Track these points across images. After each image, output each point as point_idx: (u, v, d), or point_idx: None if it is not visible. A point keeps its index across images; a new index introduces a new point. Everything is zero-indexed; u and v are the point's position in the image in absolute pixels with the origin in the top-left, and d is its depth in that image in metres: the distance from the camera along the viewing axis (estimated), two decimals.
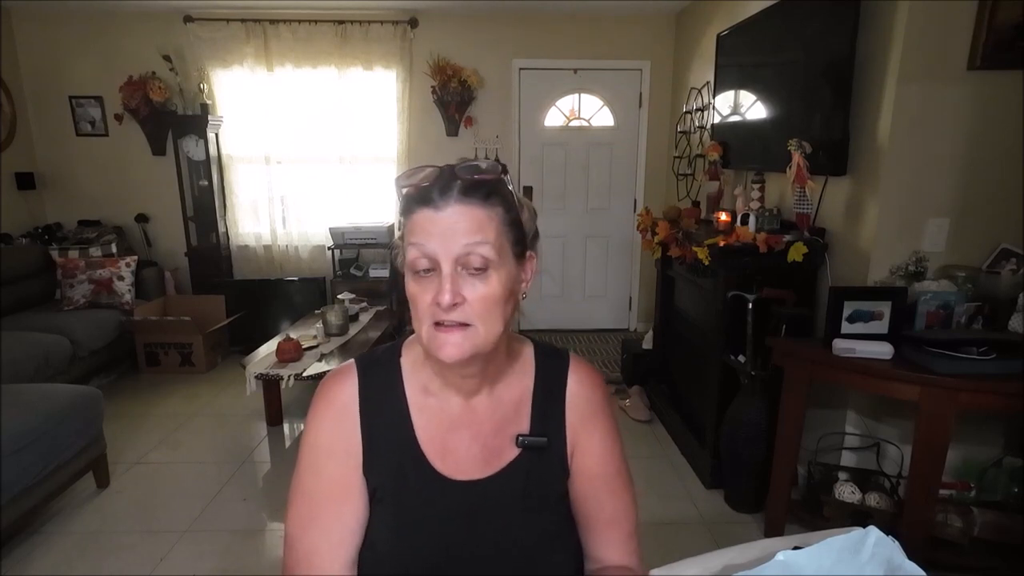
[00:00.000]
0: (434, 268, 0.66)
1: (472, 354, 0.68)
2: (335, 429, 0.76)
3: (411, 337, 0.82)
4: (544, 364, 0.82)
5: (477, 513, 0.75)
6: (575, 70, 4.31)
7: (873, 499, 2.01)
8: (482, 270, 0.66)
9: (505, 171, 0.70)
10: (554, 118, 4.43)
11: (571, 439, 0.80)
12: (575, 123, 4.45)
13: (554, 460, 0.79)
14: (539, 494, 0.77)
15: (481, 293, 0.67)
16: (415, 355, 0.79)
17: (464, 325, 0.66)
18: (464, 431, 0.77)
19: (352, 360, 0.81)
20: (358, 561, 0.75)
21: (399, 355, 0.80)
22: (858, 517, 1.95)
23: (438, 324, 0.67)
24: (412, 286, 0.68)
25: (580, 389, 0.81)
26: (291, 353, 2.92)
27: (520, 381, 0.80)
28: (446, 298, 0.64)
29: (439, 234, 0.65)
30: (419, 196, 0.67)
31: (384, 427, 0.76)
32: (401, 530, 0.74)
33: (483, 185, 0.68)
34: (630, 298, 4.72)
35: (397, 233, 0.74)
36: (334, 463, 0.75)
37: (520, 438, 0.77)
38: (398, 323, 3.83)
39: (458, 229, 0.65)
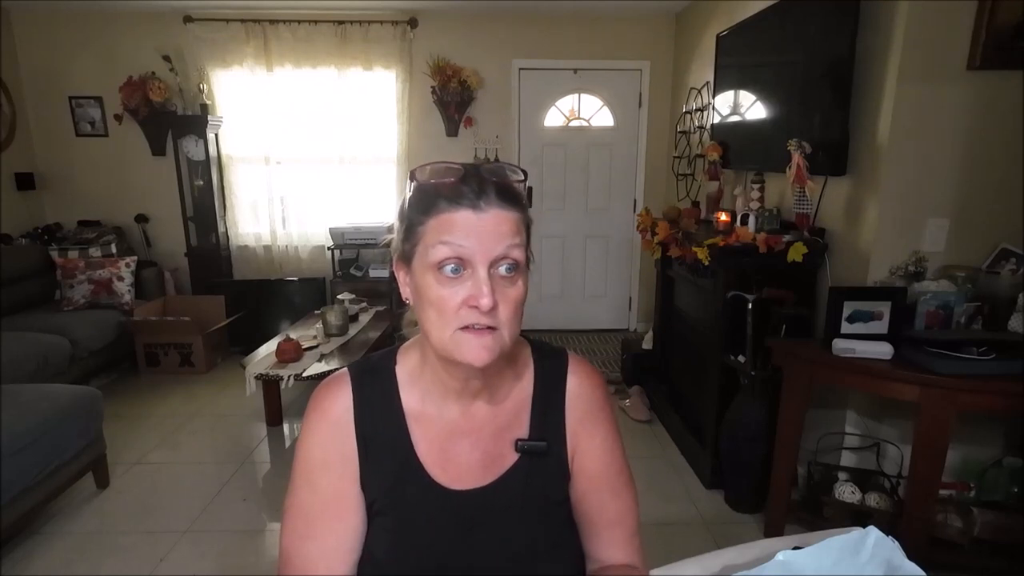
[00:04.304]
0: (464, 270, 0.64)
1: (497, 357, 0.66)
2: (329, 441, 0.74)
3: (405, 345, 0.81)
4: (542, 365, 0.80)
5: (477, 521, 0.74)
6: (575, 70, 4.31)
7: (873, 499, 2.01)
8: (513, 274, 0.66)
9: (526, 175, 0.70)
10: (554, 118, 4.43)
11: (572, 440, 0.79)
12: (575, 123, 4.45)
13: (554, 464, 0.78)
14: (539, 499, 0.76)
15: (511, 296, 0.66)
16: (411, 363, 0.78)
17: (492, 328, 0.65)
18: (464, 439, 0.76)
19: (345, 369, 0.79)
20: (357, 574, 0.75)
21: (394, 363, 0.78)
22: (858, 517, 1.95)
23: (465, 327, 0.65)
24: (437, 288, 0.65)
25: (580, 389, 0.80)
26: (291, 353, 2.92)
27: (519, 385, 0.79)
28: (486, 301, 0.63)
29: (476, 236, 0.64)
30: (452, 195, 0.65)
31: (380, 438, 0.75)
32: (401, 542, 0.73)
33: (515, 188, 0.68)
34: (630, 298, 4.72)
35: (397, 225, 0.74)
36: (329, 476, 0.74)
37: (519, 443, 0.76)
38: (398, 324, 3.83)
39: (498, 232, 0.64)
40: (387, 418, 0.75)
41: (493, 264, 0.64)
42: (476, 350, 0.65)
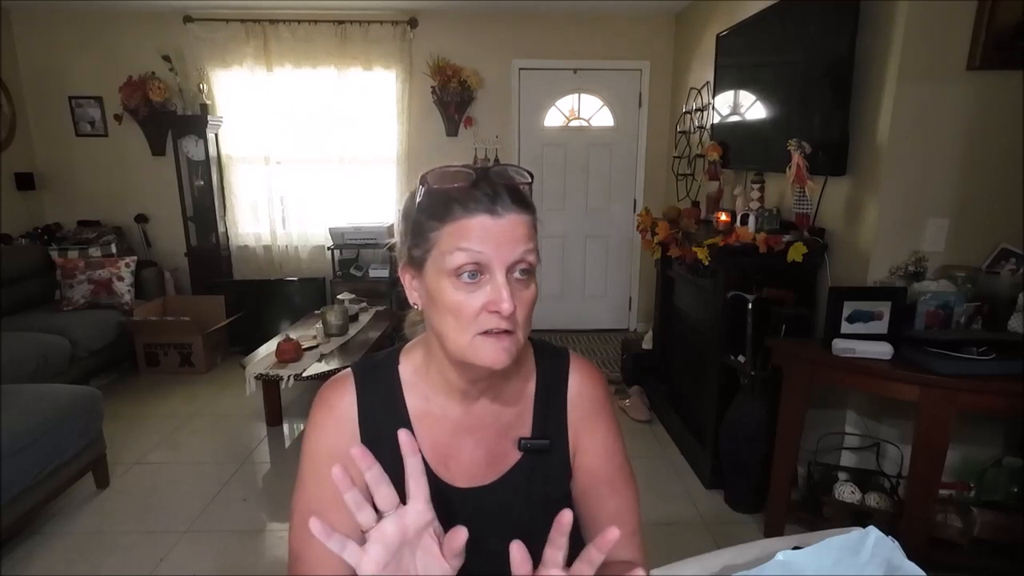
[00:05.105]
0: (481, 275, 0.65)
1: (513, 359, 0.67)
2: (335, 435, 0.75)
3: (408, 345, 0.81)
4: (544, 365, 0.81)
5: (481, 519, 0.74)
6: (575, 70, 4.31)
7: (873, 499, 2.01)
8: (527, 277, 0.67)
9: (532, 176, 0.71)
10: (554, 118, 4.43)
11: (573, 438, 0.79)
12: (575, 123, 4.45)
13: (557, 462, 0.78)
14: (542, 496, 0.77)
15: (526, 299, 0.67)
16: (415, 363, 0.78)
17: (509, 332, 0.66)
18: (467, 437, 0.76)
19: (348, 369, 0.79)
20: None
21: (397, 363, 0.79)
22: (858, 517, 1.95)
23: (484, 332, 0.65)
24: (454, 294, 0.65)
25: (581, 388, 0.81)
26: (291, 353, 2.92)
27: (521, 384, 0.80)
28: (507, 307, 0.63)
29: (494, 241, 0.64)
30: (466, 200, 0.65)
31: (385, 437, 0.74)
32: None
33: (525, 191, 0.68)
34: (630, 298, 4.72)
35: (399, 228, 0.74)
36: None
37: (522, 441, 0.77)
38: (398, 324, 3.83)
39: (514, 236, 0.65)
40: (391, 416, 0.76)
41: (510, 269, 0.65)
42: (495, 353, 0.65)
